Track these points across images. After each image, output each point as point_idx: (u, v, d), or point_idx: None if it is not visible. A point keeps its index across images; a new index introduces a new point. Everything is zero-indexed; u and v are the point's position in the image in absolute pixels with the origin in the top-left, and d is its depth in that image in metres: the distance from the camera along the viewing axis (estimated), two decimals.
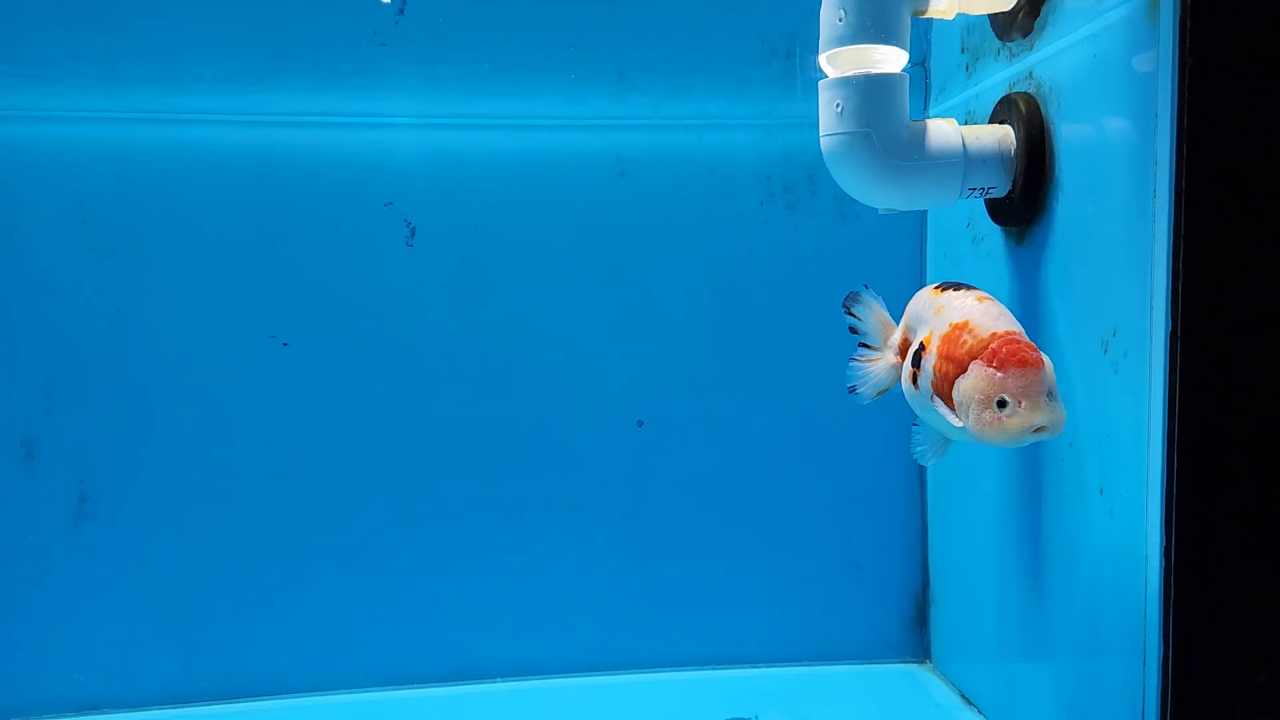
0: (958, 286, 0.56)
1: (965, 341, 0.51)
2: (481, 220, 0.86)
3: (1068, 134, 0.59)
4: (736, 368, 0.88)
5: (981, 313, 0.52)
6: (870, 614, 0.90)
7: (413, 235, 0.85)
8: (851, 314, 0.64)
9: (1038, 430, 0.48)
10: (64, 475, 0.81)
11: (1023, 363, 0.48)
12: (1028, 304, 0.68)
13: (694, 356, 0.88)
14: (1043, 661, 0.66)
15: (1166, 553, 0.46)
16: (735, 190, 0.87)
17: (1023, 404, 0.48)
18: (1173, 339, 0.44)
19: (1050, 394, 0.48)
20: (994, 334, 0.50)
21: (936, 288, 0.58)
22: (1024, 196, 0.62)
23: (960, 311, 0.53)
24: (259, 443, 0.83)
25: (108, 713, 0.81)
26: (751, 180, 0.87)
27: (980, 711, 0.77)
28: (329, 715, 0.79)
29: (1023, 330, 0.51)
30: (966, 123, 0.67)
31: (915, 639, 0.90)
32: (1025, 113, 0.61)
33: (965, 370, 0.50)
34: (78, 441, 0.81)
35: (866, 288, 0.62)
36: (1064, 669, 0.63)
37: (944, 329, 0.53)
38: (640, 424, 0.88)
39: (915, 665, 0.88)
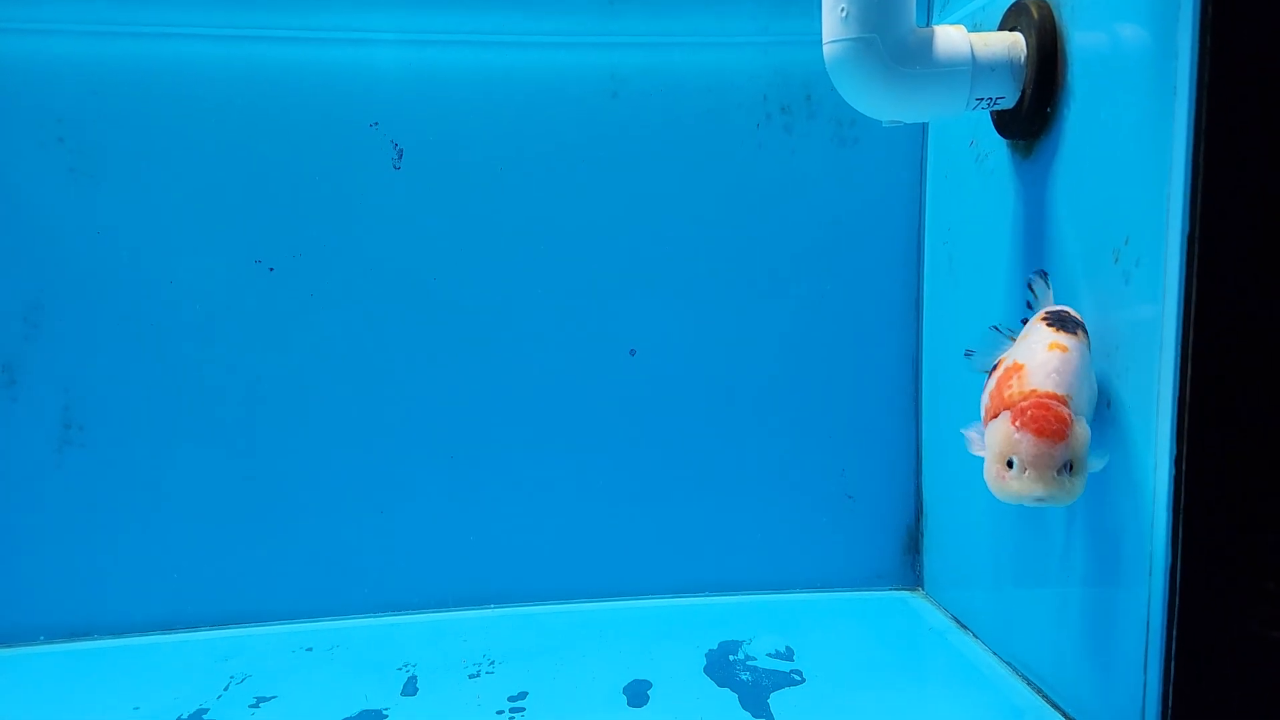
0: (1057, 321, 0.53)
1: (1011, 386, 0.50)
2: (470, 142, 0.83)
3: (1081, 39, 0.57)
4: (731, 296, 0.86)
5: (1040, 363, 0.50)
6: (863, 543, 0.90)
7: (400, 157, 0.83)
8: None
9: (1038, 499, 0.48)
10: (48, 402, 0.79)
11: (1040, 432, 0.47)
12: (1033, 221, 0.66)
13: (688, 284, 0.86)
14: (1041, 585, 0.66)
15: (1177, 461, 0.45)
16: (731, 112, 0.85)
17: (1028, 471, 0.48)
18: (1190, 240, 0.43)
19: (1067, 466, 0.48)
20: (1034, 391, 0.49)
21: (1042, 316, 0.55)
22: (1033, 106, 0.60)
23: (1027, 351, 0.52)
24: (245, 368, 0.82)
25: (98, 638, 0.80)
26: (748, 101, 0.85)
27: (975, 635, 0.77)
28: (319, 641, 0.78)
29: (1074, 391, 0.50)
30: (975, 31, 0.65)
31: (908, 567, 0.90)
32: (1037, 18, 0.59)
33: (997, 416, 0.50)
34: (62, 367, 0.79)
35: (1043, 273, 0.58)
36: (1064, 592, 0.63)
37: (1009, 363, 0.53)
38: (633, 353, 0.86)
39: (908, 593, 0.89)
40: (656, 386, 0.87)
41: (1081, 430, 0.48)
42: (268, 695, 0.69)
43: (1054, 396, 0.48)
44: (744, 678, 0.70)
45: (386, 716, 0.65)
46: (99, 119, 0.78)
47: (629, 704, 0.66)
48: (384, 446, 0.84)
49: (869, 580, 0.90)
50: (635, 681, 0.70)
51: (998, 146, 0.70)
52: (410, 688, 0.70)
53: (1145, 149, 0.48)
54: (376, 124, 0.82)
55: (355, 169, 0.82)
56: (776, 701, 0.66)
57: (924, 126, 0.86)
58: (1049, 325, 0.53)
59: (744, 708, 0.65)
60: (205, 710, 0.66)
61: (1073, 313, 0.54)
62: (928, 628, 0.80)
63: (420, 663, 0.74)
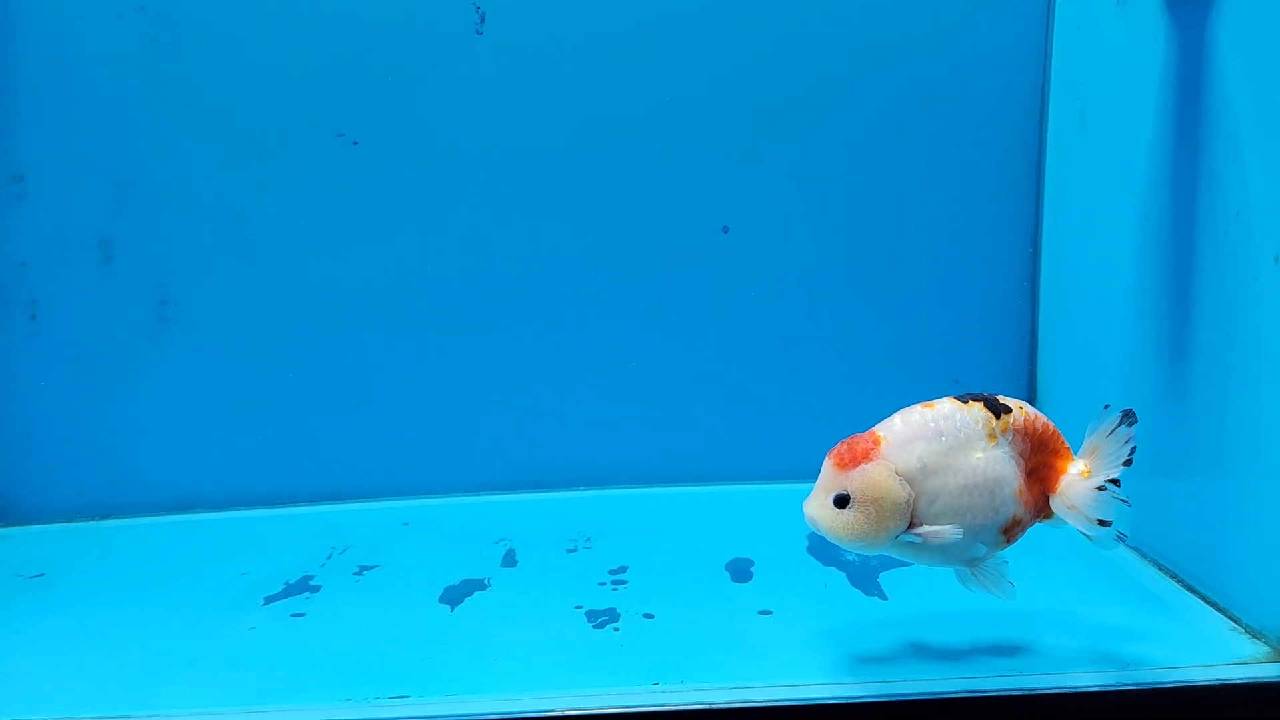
0: (979, 397, 0.49)
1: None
2: (559, 6, 0.78)
3: None
4: (830, 167, 0.81)
5: (906, 410, 0.49)
6: None
7: (482, 21, 0.79)
8: None
9: (807, 516, 0.48)
10: (143, 279, 0.79)
11: (831, 454, 0.48)
12: (1187, 75, 0.59)
13: (782, 156, 0.81)
14: (1177, 477, 0.62)
15: None
16: None
17: (812, 491, 0.48)
18: None
19: (839, 498, 0.46)
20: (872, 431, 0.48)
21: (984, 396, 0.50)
22: None
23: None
24: (332, 243, 0.80)
25: (200, 512, 0.82)
26: None
27: None
28: (415, 517, 0.79)
29: (902, 442, 0.47)
30: None
31: None
32: None
33: None
34: (155, 244, 0.79)
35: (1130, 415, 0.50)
36: (1203, 484, 0.59)
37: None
38: (726, 230, 0.82)
39: None
40: (751, 266, 0.83)
41: (877, 473, 0.46)
42: (370, 564, 0.69)
43: (871, 434, 0.48)
44: (850, 558, 0.68)
45: (489, 585, 0.65)
46: None
47: (733, 579, 0.64)
48: (475, 327, 0.82)
49: None
50: (737, 559, 0.68)
51: None
52: (509, 560, 0.69)
53: None
54: None
55: (437, 35, 0.79)
56: (887, 581, 0.64)
57: None
58: (969, 398, 0.49)
59: (854, 585, 0.63)
60: (311, 577, 0.67)
61: (1016, 408, 0.49)
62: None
63: (516, 538, 0.73)
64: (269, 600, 0.63)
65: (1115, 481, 0.48)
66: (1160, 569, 0.64)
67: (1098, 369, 0.73)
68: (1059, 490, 0.49)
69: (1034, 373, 0.84)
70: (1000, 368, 0.84)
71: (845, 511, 0.46)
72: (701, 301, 0.82)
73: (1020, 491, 0.48)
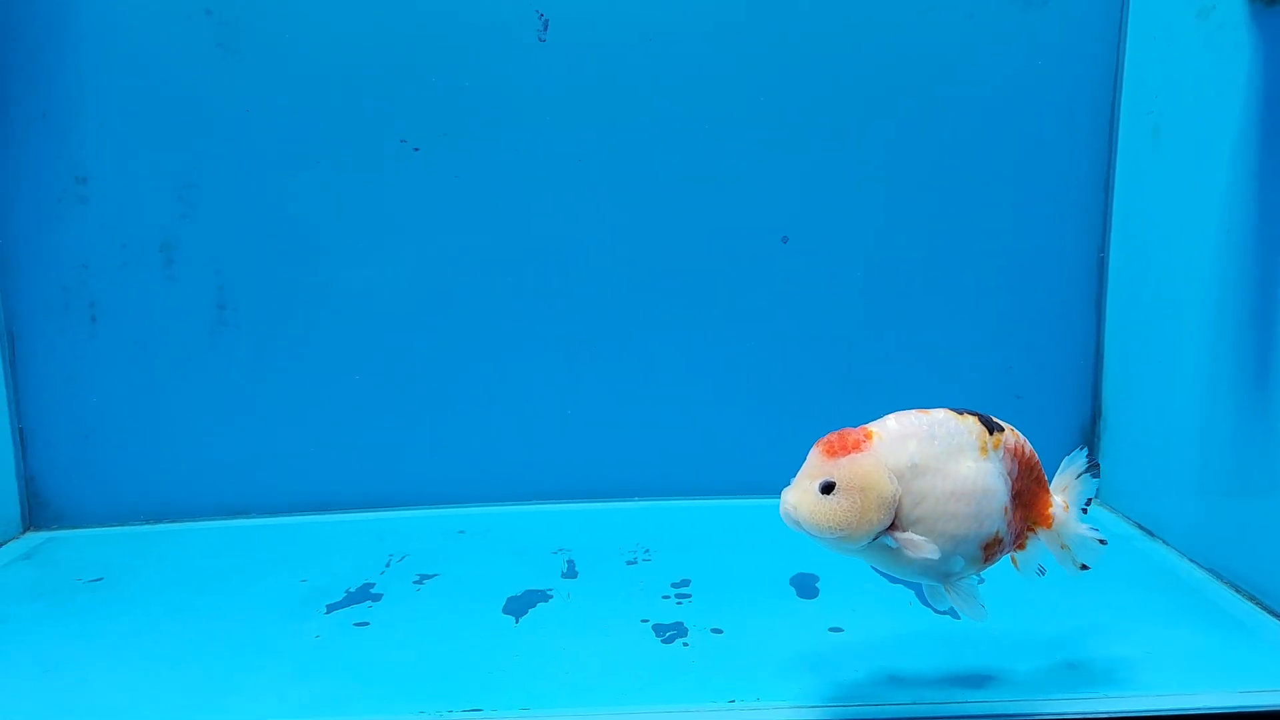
0: (975, 412, 0.48)
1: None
2: (618, 12, 0.78)
3: None
4: (891, 177, 0.80)
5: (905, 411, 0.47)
6: (1032, 443, 0.84)
7: (545, 28, 0.78)
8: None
9: (785, 503, 0.45)
10: (203, 282, 0.80)
11: (820, 442, 0.46)
12: (1275, 88, 0.58)
13: (846, 165, 0.80)
14: (1258, 498, 0.60)
15: None
16: None
17: (795, 479, 0.46)
18: None
19: (825, 484, 0.44)
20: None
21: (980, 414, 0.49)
22: None
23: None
24: (390, 249, 0.80)
25: (255, 517, 0.82)
26: None
27: (1167, 543, 0.71)
28: (471, 525, 0.78)
29: (893, 439, 0.45)
30: None
31: None
32: None
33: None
34: (215, 248, 0.79)
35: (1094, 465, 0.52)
36: None
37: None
38: (785, 240, 0.81)
39: None
40: (810, 276, 0.82)
41: (867, 463, 0.44)
42: (429, 573, 0.68)
43: (863, 429, 0.46)
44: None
45: (551, 596, 0.64)
46: None
47: (799, 595, 0.63)
48: (533, 335, 0.81)
49: None
50: (801, 574, 0.67)
51: None
52: (570, 570, 0.68)
53: None
54: None
55: (499, 42, 0.78)
56: None
57: None
58: (967, 412, 0.48)
59: (923, 603, 0.62)
60: (371, 585, 0.66)
61: (1008, 430, 0.48)
62: (1109, 534, 0.74)
63: (574, 548, 0.73)
64: (331, 608, 0.63)
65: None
66: (1238, 591, 0.62)
67: (1169, 388, 0.71)
68: (1054, 526, 0.49)
69: (1098, 389, 0.82)
70: (1064, 384, 0.83)
71: (829, 498, 0.44)
72: (761, 312, 0.82)
73: (1006, 509, 0.47)
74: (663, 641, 0.57)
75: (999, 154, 0.80)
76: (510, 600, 0.63)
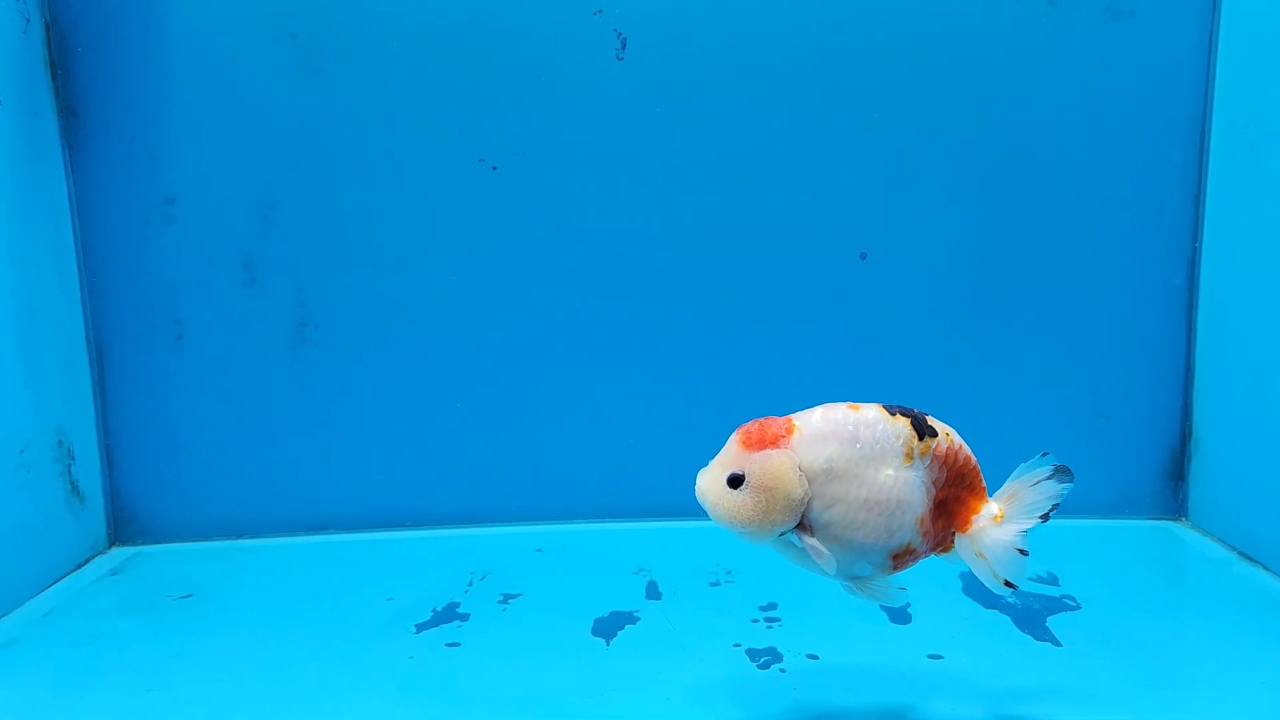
0: (907, 412, 0.46)
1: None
2: (700, 31, 0.78)
3: None
4: (972, 192, 0.79)
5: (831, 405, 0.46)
6: (1117, 467, 0.82)
7: (623, 47, 0.78)
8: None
9: (698, 491, 0.45)
10: (284, 300, 0.80)
11: (738, 431, 0.45)
12: None
13: (925, 181, 0.79)
14: None
15: None
16: None
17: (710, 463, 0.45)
18: None
19: (734, 477, 0.44)
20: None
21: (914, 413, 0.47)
22: None
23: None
24: (468, 268, 0.80)
25: (333, 533, 0.82)
26: None
27: (1268, 568, 0.69)
28: (548, 543, 0.78)
29: (813, 436, 0.44)
30: None
31: (1169, 494, 0.81)
32: None
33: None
34: (295, 266, 0.80)
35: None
36: None
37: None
38: (864, 256, 0.80)
39: (1169, 521, 0.81)
40: (889, 292, 0.80)
41: (779, 463, 0.43)
42: (513, 593, 0.68)
43: (787, 421, 0.45)
44: (1010, 601, 0.65)
45: (639, 619, 0.63)
46: (328, 11, 0.77)
47: (892, 620, 0.62)
48: (611, 352, 0.81)
49: (1122, 507, 0.82)
50: None
51: None
52: (653, 591, 0.68)
53: None
54: (600, 11, 0.78)
55: (577, 61, 0.79)
56: (1057, 626, 0.61)
57: None
58: (897, 411, 0.46)
59: (1022, 630, 0.60)
60: (457, 604, 0.66)
61: (943, 434, 0.46)
62: (1205, 558, 0.73)
63: (655, 568, 0.72)
64: (420, 628, 0.63)
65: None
66: None
67: (1266, 407, 0.69)
68: (970, 532, 0.46)
69: (1189, 409, 0.80)
70: (1152, 404, 0.80)
71: (736, 493, 0.44)
72: (837, 328, 0.81)
73: (922, 521, 0.45)
74: (759, 667, 0.56)
75: (1085, 167, 0.78)
76: (598, 622, 0.63)
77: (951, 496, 0.46)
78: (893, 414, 0.45)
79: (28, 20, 0.74)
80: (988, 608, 0.64)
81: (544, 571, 0.72)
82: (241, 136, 0.79)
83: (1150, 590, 0.67)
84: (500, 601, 0.67)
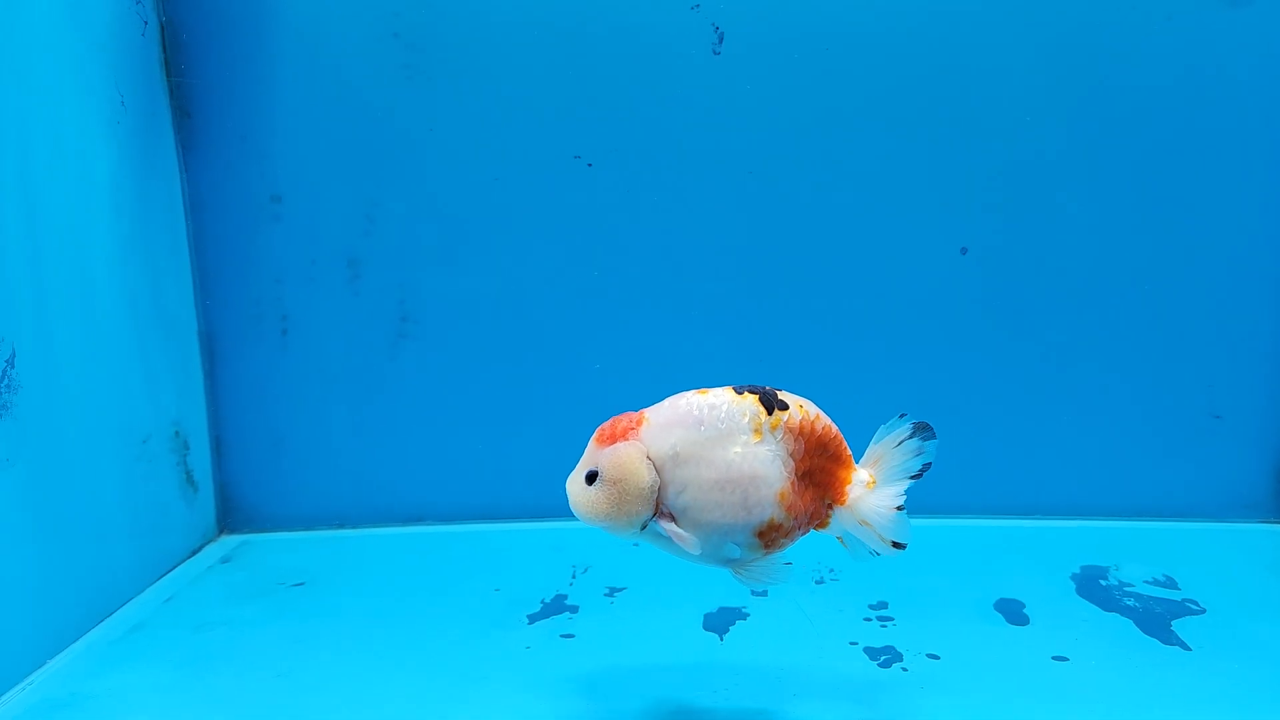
0: (756, 390, 0.47)
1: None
2: (798, 22, 0.77)
3: None
4: (1076, 185, 0.77)
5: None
6: (1230, 469, 0.79)
7: (720, 41, 0.78)
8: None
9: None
10: (386, 296, 0.82)
11: (597, 429, 0.46)
12: None
13: (1028, 173, 0.77)
14: None
15: None
16: None
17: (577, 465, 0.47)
18: None
19: (590, 474, 0.45)
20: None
21: (762, 390, 0.48)
22: None
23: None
24: (566, 263, 0.81)
25: (431, 524, 0.83)
26: None
27: None
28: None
29: (663, 425, 0.46)
30: None
31: None
32: None
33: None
34: (397, 263, 0.81)
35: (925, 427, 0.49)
36: None
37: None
38: (964, 251, 0.79)
39: None
40: (991, 289, 0.79)
41: (627, 455, 0.44)
42: (617, 586, 0.69)
43: (639, 414, 0.46)
44: (1130, 604, 0.63)
45: (748, 615, 0.63)
46: (431, 11, 0.78)
47: (1008, 620, 0.61)
48: (703, 346, 0.81)
49: (1235, 511, 0.80)
50: (1004, 599, 0.64)
51: None
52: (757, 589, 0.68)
53: None
54: (697, 6, 0.78)
55: (674, 56, 0.78)
56: (1183, 630, 0.59)
57: None
58: (745, 390, 0.46)
59: (1146, 633, 0.59)
60: (565, 596, 0.67)
61: (795, 406, 0.46)
62: None
63: None
64: (532, 619, 0.63)
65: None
66: None
67: None
68: (848, 503, 0.46)
69: None
70: (1269, 404, 0.78)
71: (591, 489, 0.45)
72: (938, 326, 0.79)
73: (783, 495, 0.45)
74: (879, 665, 0.56)
75: (1201, 159, 0.76)
76: (707, 617, 0.63)
77: (816, 468, 0.46)
78: (740, 394, 0.46)
79: (145, 22, 0.76)
80: (1107, 610, 0.62)
81: (643, 565, 0.72)
82: (346, 135, 0.80)
83: (1276, 594, 0.65)
84: (606, 594, 0.67)
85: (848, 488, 0.47)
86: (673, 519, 0.45)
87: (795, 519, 0.46)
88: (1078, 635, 0.59)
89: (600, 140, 0.80)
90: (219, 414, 0.83)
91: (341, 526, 0.83)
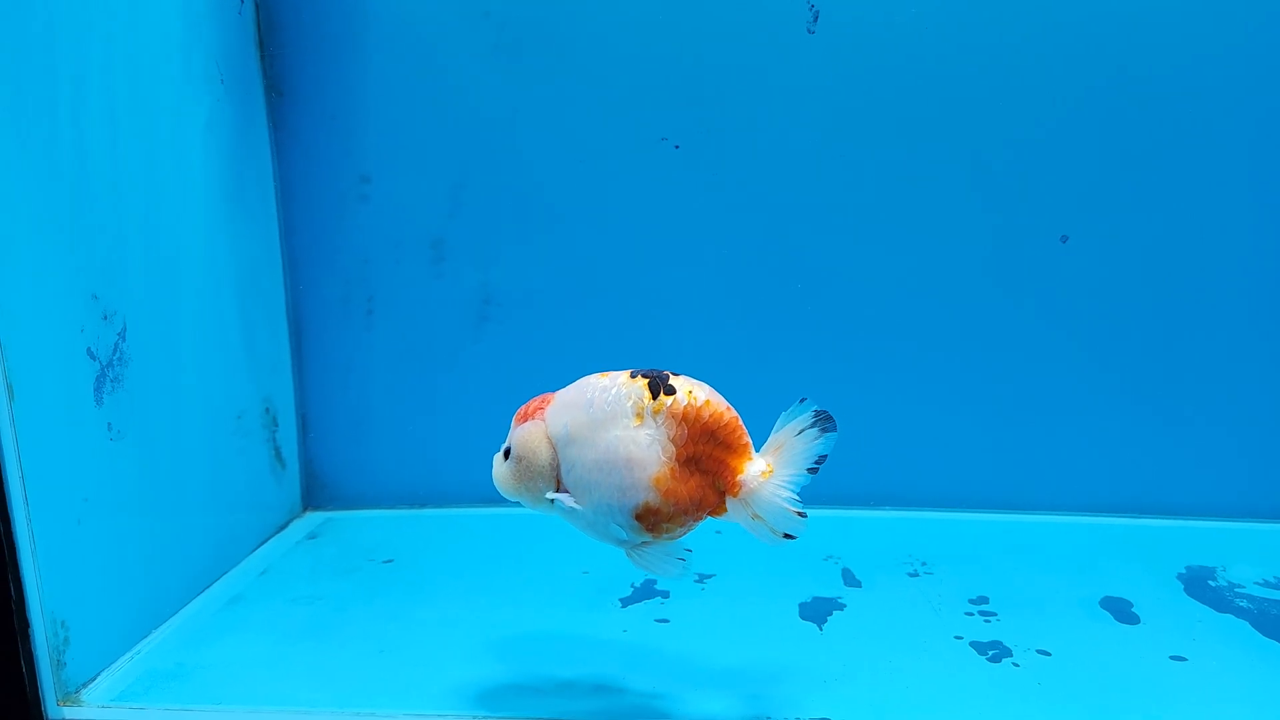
0: (647, 374, 0.47)
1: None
2: (893, 2, 0.75)
3: None
4: (1189, 168, 0.74)
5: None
6: None
7: (815, 20, 0.76)
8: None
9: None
10: (469, 278, 0.82)
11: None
12: None
13: (1131, 158, 0.75)
14: None
15: None
16: None
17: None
18: None
19: (506, 449, 0.49)
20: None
21: (653, 374, 0.48)
22: None
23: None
24: (652, 246, 0.80)
25: (507, 506, 0.82)
26: None
27: None
28: (724, 525, 0.77)
29: (564, 404, 0.48)
30: None
31: None
32: None
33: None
34: (481, 245, 0.81)
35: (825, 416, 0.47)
36: None
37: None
38: (1065, 239, 0.77)
39: None
40: (1093, 279, 0.77)
41: (531, 432, 0.47)
42: (707, 573, 0.68)
43: (549, 396, 0.49)
44: (1243, 605, 0.61)
45: (844, 605, 0.62)
46: None
47: (1116, 619, 0.59)
48: (791, 335, 0.80)
49: None
50: (1110, 597, 0.62)
51: None
52: (849, 579, 0.66)
53: None
54: None
55: (767, 35, 0.77)
56: None
57: None
58: (639, 375, 0.47)
59: (1265, 634, 0.57)
60: (653, 581, 0.66)
61: (683, 391, 0.46)
62: None
63: (844, 556, 0.71)
64: (625, 603, 0.63)
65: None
66: None
67: None
68: (741, 495, 0.45)
69: None
70: None
71: (506, 463, 0.48)
72: (1037, 316, 0.77)
73: (659, 480, 0.44)
74: (988, 660, 0.54)
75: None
76: (802, 606, 0.62)
77: (704, 455, 0.45)
78: (634, 378, 0.47)
79: (241, 1, 0.76)
80: (1220, 611, 0.60)
81: (729, 552, 0.71)
82: (434, 116, 0.80)
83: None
84: (697, 581, 0.67)
85: (739, 477, 0.46)
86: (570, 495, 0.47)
87: (675, 505, 0.45)
88: (1192, 635, 0.57)
89: (687, 121, 0.79)
90: (305, 392, 0.84)
91: (423, 506, 0.84)
